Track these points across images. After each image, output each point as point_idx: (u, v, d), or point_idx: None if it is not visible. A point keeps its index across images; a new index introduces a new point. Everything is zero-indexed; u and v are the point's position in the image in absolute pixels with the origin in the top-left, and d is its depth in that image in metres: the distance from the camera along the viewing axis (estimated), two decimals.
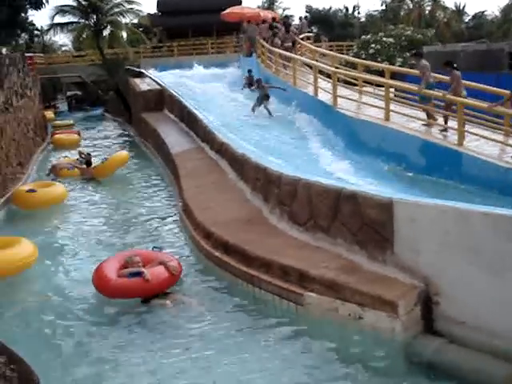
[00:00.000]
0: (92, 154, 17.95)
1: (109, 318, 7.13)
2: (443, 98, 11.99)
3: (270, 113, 17.92)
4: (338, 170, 11.79)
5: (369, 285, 6.19)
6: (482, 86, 12.31)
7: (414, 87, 13.09)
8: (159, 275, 7.54)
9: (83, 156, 17.07)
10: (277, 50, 21.02)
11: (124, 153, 17.01)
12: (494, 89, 12.09)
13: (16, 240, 9.10)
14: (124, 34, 42.56)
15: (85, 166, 16.28)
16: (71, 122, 29.59)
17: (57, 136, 23.63)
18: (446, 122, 12.13)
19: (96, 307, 7.50)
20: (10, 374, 1.27)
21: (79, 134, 24.58)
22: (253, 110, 18.07)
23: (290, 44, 22.33)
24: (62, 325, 7.01)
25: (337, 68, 17.53)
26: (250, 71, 22.50)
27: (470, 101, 11.61)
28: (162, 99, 22.12)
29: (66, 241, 10.52)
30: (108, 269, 7.66)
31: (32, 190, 13.03)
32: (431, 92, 12.27)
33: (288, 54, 20.37)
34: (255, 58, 23.91)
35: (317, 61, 19.29)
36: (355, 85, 16.78)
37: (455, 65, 12.13)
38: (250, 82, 21.69)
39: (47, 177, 16.32)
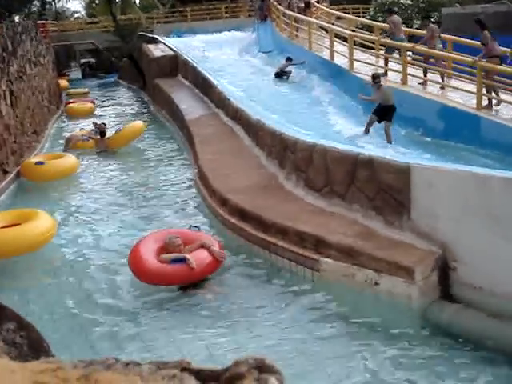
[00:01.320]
0: (107, 123, 17.59)
1: (134, 296, 6.90)
2: (414, 50, 13.69)
3: (390, 139, 11.33)
4: (353, 135, 11.68)
5: (385, 251, 6.17)
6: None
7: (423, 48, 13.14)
8: (203, 261, 6.89)
9: (97, 126, 16.31)
10: (291, 13, 20.67)
11: (139, 123, 16.30)
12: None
13: (34, 213, 8.70)
14: (137, 0, 42.11)
15: (99, 137, 15.74)
16: (86, 90, 29.14)
17: (70, 105, 23.25)
18: (425, 75, 13.37)
19: (120, 285, 7.21)
20: (20, 341, 1.26)
21: (93, 103, 24.15)
22: (367, 129, 11.77)
23: (302, 5, 21.94)
24: (86, 303, 6.80)
25: (353, 31, 17.20)
26: (289, 59, 17.82)
27: (447, 53, 13.03)
28: (175, 65, 21.94)
29: (80, 213, 10.37)
30: (146, 251, 7.02)
31: (40, 163, 12.69)
32: (398, 43, 13.92)
33: (303, 17, 20.03)
34: (270, 23, 23.56)
35: (332, 24, 18.96)
36: (372, 48, 16.50)
37: (432, 19, 14.20)
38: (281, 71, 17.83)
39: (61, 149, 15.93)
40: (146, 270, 6.82)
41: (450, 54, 13.16)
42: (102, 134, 15.80)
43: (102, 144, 15.57)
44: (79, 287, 7.23)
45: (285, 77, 17.62)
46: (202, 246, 7.09)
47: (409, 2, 25.54)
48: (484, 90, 11.12)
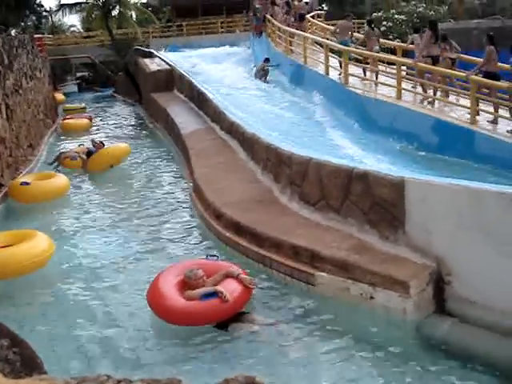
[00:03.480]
0: (104, 140, 16.85)
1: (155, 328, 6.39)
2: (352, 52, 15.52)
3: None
4: (348, 150, 11.71)
5: (380, 264, 6.17)
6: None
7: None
8: (234, 292, 6.19)
9: (95, 145, 15.07)
10: (287, 28, 20.78)
11: (121, 146, 15.09)
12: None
13: (30, 233, 8.30)
14: (133, 14, 42.31)
15: (85, 157, 14.70)
16: (83, 105, 28.38)
17: (65, 121, 22.55)
18: (364, 74, 15.54)
19: (125, 308, 6.83)
20: (13, 357, 1.26)
21: (91, 119, 23.40)
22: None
23: (292, 19, 22.21)
24: (88, 327, 6.47)
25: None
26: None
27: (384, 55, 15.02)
28: (171, 79, 22.02)
29: (73, 234, 9.92)
30: (168, 288, 6.30)
31: (25, 183, 11.86)
32: (345, 47, 15.36)
33: (299, 32, 20.14)
34: (265, 37, 23.68)
35: (327, 39, 19.05)
36: (367, 63, 16.59)
37: (373, 25, 16.00)
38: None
39: (49, 166, 15.15)
40: (175, 311, 6.10)
41: (384, 55, 15.03)
42: (89, 154, 14.80)
43: (85, 165, 14.66)
44: (79, 309, 6.94)
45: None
46: (228, 276, 6.45)
47: (403, 18, 25.75)
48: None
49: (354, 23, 32.88)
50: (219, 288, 6.15)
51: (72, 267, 8.32)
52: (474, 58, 12.75)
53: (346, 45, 15.67)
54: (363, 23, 29.98)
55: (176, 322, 6.11)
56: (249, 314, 6.28)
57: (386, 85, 13.99)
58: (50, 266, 8.14)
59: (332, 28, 21.56)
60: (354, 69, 15.88)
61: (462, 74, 12.03)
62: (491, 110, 11.31)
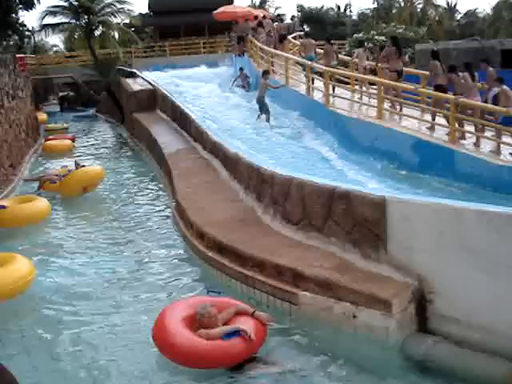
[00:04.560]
0: (86, 160, 16.69)
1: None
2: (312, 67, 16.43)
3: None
4: (330, 169, 11.78)
5: (363, 283, 6.18)
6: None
7: (407, 85, 13.49)
8: (255, 330, 5.75)
9: (77, 167, 14.44)
10: (268, 48, 20.95)
11: (93, 169, 14.55)
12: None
13: (9, 257, 8.03)
14: (116, 35, 42.35)
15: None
16: (65, 125, 28.19)
17: (47, 143, 22.08)
18: (333, 89, 16.15)
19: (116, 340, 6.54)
20: None
21: (73, 140, 22.92)
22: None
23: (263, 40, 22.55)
24: (72, 356, 6.25)
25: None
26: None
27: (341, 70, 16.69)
28: (154, 99, 22.05)
29: (54, 258, 9.66)
30: (180, 328, 5.71)
31: (2, 207, 11.48)
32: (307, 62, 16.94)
33: (280, 52, 20.31)
34: (247, 57, 23.82)
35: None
36: (348, 83, 16.77)
37: (332, 41, 17.55)
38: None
39: (25, 182, 14.88)
40: (194, 353, 5.49)
41: (337, 70, 16.32)
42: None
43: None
44: (61, 334, 6.76)
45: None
46: (239, 313, 6.04)
47: (383, 39, 26.13)
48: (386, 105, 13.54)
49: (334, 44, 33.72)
50: (242, 326, 5.68)
51: (53, 292, 8.11)
52: (423, 72, 13.96)
53: (311, 59, 17.08)
54: (344, 44, 30.44)
55: (196, 365, 5.56)
56: (259, 357, 5.78)
57: (366, 104, 14.16)
58: (30, 290, 7.93)
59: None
60: (319, 84, 16.82)
61: (411, 86, 13.11)
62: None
